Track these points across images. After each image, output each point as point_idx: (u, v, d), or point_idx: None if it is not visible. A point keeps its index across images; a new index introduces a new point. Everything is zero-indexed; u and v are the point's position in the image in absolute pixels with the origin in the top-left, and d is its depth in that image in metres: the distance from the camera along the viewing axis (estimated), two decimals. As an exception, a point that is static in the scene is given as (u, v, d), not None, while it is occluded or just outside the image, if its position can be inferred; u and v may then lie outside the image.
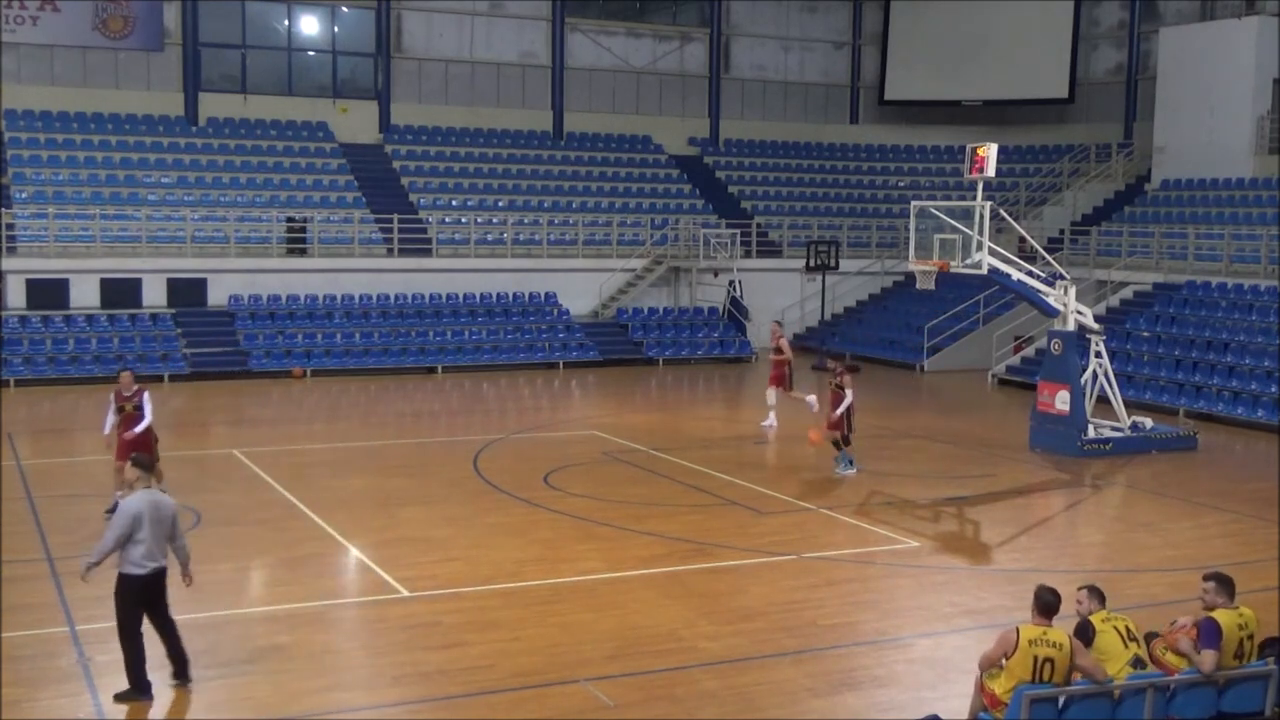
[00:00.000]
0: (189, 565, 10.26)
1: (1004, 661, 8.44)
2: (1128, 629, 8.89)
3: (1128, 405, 22.13)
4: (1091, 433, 21.05)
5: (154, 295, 29.86)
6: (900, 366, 32.01)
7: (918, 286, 22.70)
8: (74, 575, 13.00)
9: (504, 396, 27.12)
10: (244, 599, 12.76)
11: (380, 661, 10.94)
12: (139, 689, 9.81)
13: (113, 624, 11.49)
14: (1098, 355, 21.47)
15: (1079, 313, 21.31)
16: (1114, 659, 8.66)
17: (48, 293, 28.87)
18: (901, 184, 40.77)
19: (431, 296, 32.13)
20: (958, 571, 14.01)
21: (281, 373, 28.59)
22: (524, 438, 21.94)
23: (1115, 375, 22.05)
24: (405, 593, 12.72)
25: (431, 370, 29.90)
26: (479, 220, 34.49)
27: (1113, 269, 31.71)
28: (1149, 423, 21.98)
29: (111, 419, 15.84)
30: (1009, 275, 21.10)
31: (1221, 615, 8.76)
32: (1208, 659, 8.53)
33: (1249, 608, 9.04)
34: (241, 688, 10.21)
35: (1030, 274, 21.74)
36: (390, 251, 32.61)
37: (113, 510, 10.89)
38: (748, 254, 35.44)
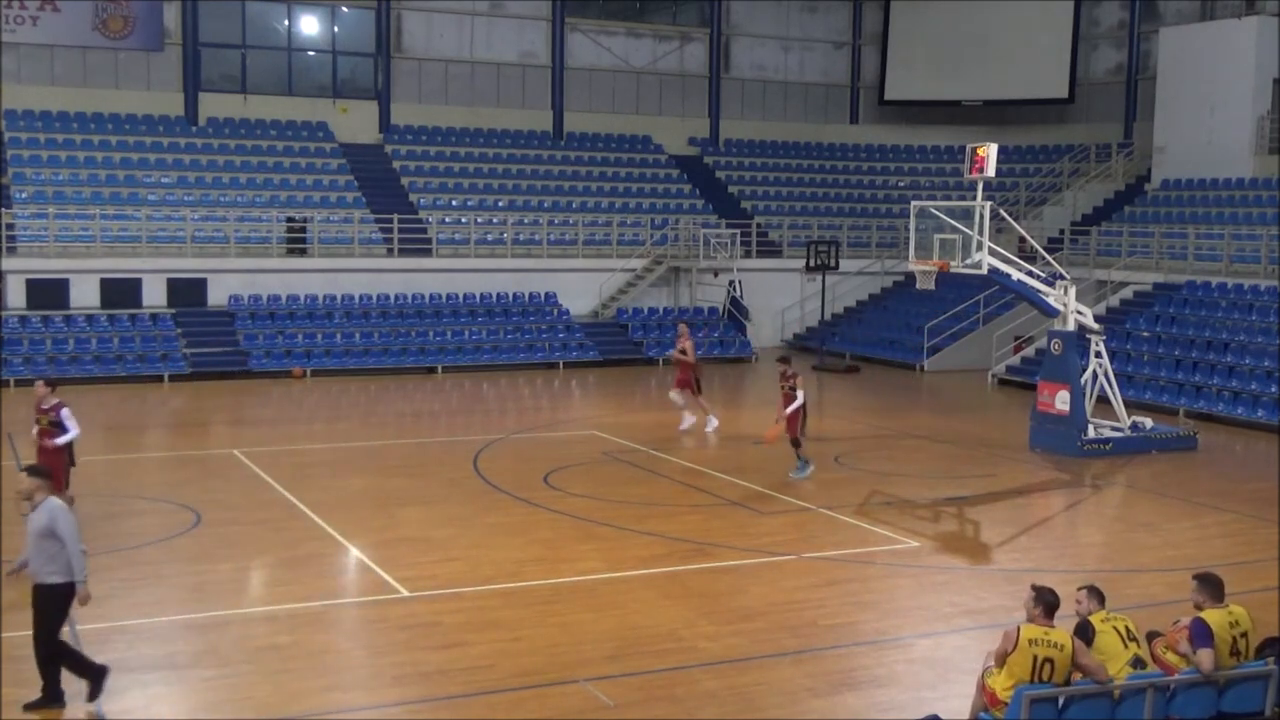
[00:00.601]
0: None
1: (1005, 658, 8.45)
2: (1127, 629, 8.90)
3: (1128, 405, 22.13)
4: (1091, 433, 21.06)
5: (154, 295, 29.86)
6: (900, 366, 32.01)
7: (918, 286, 22.70)
8: (74, 575, 13.03)
9: (504, 396, 27.12)
10: (244, 599, 12.76)
11: (380, 661, 10.94)
12: (82, 691, 9.74)
13: (113, 624, 11.53)
14: (1098, 355, 21.47)
15: (1079, 313, 21.31)
16: (1114, 659, 8.66)
17: (48, 293, 28.87)
18: (901, 184, 40.77)
19: (431, 296, 32.13)
20: (958, 571, 14.01)
21: (281, 373, 28.59)
22: (524, 438, 21.94)
23: (1115, 375, 22.05)
24: (405, 593, 12.72)
25: (431, 370, 29.90)
26: (479, 220, 34.49)
27: (1113, 269, 31.71)
28: (1149, 423, 21.98)
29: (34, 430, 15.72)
30: (1009, 275, 21.10)
31: (1211, 615, 8.77)
32: (1205, 658, 8.53)
33: (1240, 606, 9.04)
34: (241, 688, 10.21)
35: (1030, 274, 21.74)
36: (390, 251, 32.61)
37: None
38: (748, 254, 35.44)
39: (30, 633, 9.98)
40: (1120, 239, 32.99)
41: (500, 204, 35.36)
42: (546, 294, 33.28)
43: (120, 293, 29.45)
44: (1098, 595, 9.05)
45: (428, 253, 32.93)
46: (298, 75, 36.76)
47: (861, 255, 37.19)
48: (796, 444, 18.51)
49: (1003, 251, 21.30)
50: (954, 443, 21.92)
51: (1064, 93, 39.39)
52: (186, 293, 30.03)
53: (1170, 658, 8.91)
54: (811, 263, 33.97)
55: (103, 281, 29.38)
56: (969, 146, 20.83)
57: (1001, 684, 8.36)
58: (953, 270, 21.17)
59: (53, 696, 9.78)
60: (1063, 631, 8.42)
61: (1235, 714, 8.63)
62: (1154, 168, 35.83)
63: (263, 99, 35.73)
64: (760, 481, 18.16)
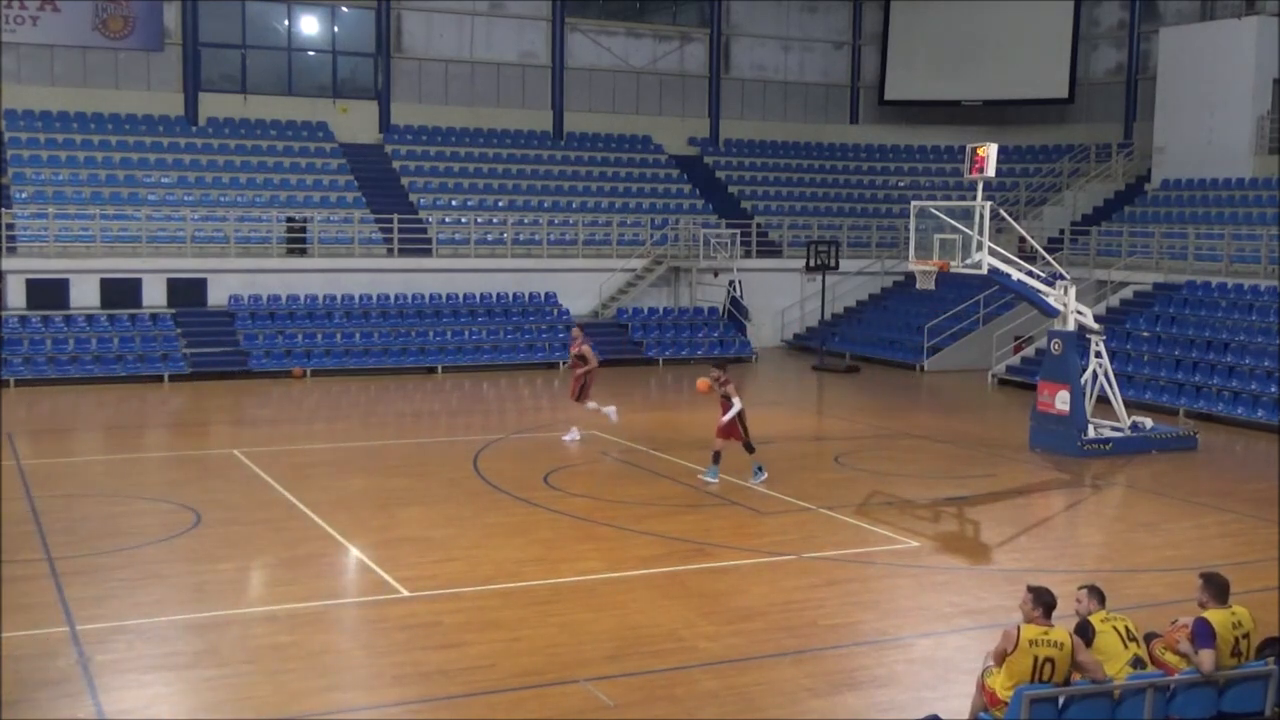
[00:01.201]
0: None
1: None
2: (1127, 629, 8.89)
3: (1128, 405, 22.13)
4: (1091, 433, 21.06)
5: (154, 295, 29.86)
6: (900, 366, 32.01)
7: (918, 286, 22.70)
8: (74, 575, 13.05)
9: (504, 396, 27.11)
10: (244, 599, 12.76)
11: (380, 661, 10.94)
12: None
13: (113, 624, 11.54)
14: (1098, 355, 21.47)
15: (1079, 313, 21.31)
16: (1113, 659, 8.66)
17: (48, 293, 28.87)
18: (901, 184, 40.77)
19: (431, 296, 32.13)
20: (958, 571, 14.01)
21: (281, 373, 28.59)
22: (524, 438, 21.94)
23: (1115, 375, 22.05)
24: (405, 593, 12.72)
25: (431, 370, 29.90)
26: (479, 220, 34.49)
27: (1113, 269, 31.71)
28: (1149, 423, 21.98)
29: None
30: (1009, 275, 21.10)
31: (1214, 615, 8.77)
32: (1206, 659, 8.53)
33: (1243, 607, 9.04)
34: (241, 688, 10.21)
35: (1030, 274, 21.73)
36: (390, 251, 32.61)
37: None
38: (748, 254, 35.44)
39: (30, 632, 9.97)
40: (1120, 239, 32.99)
41: (500, 204, 35.36)
42: (546, 294, 33.28)
43: (120, 293, 29.45)
44: (1098, 595, 9.05)
45: (428, 253, 32.93)
46: (298, 75, 36.76)
47: (861, 255, 37.19)
48: (750, 449, 17.99)
49: (1003, 251, 21.30)
50: (954, 443, 21.92)
51: (1064, 93, 39.39)
52: (186, 293, 30.03)
53: (1170, 658, 8.91)
54: (811, 263, 33.97)
55: (103, 281, 29.38)
56: (969, 146, 20.82)
57: (1002, 684, 8.36)
58: (953, 270, 21.16)
59: None
60: (1062, 631, 8.42)
61: (1235, 714, 8.63)
62: (1154, 168, 35.83)
63: (263, 99, 35.73)
64: (760, 481, 18.14)
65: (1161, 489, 18.57)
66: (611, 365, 31.45)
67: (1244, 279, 28.16)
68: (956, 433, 22.92)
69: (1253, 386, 24.36)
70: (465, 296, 32.50)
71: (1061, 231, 34.94)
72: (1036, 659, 8.24)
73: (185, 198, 32.35)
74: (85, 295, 29.27)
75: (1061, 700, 8.23)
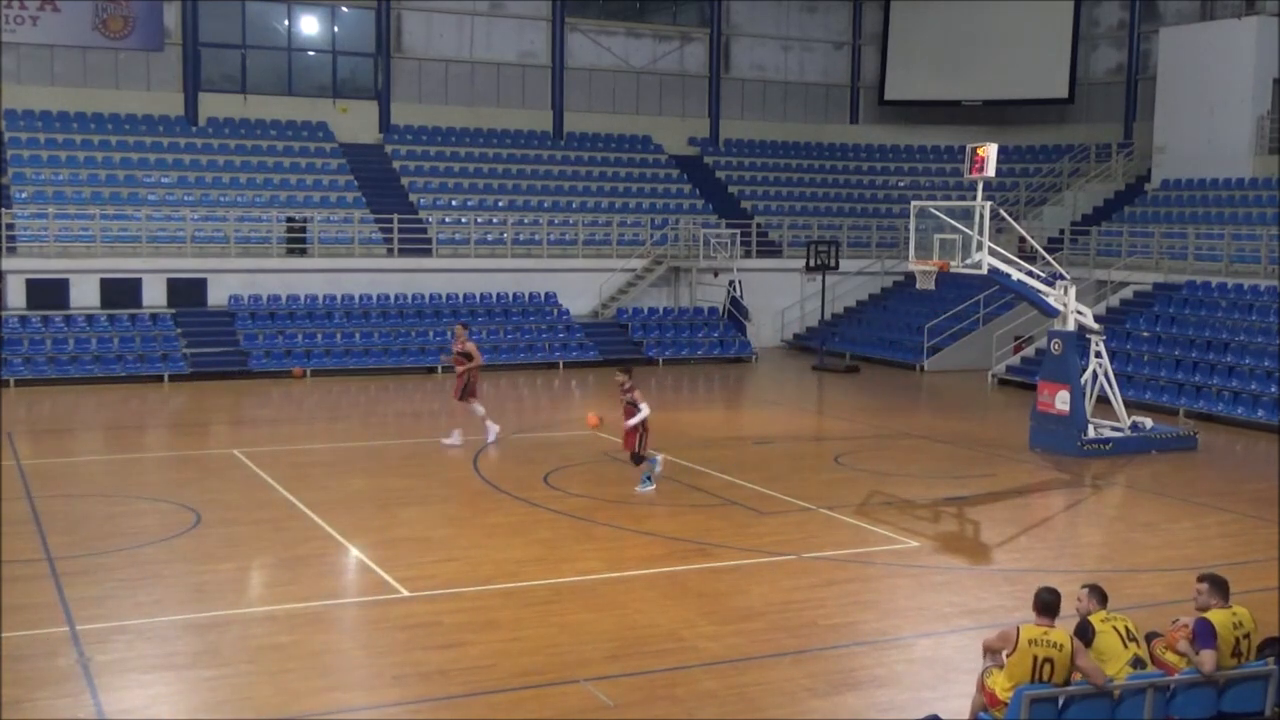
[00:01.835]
0: None
1: (1003, 659, 8.45)
2: (1127, 629, 8.89)
3: (1128, 405, 22.12)
4: (1091, 433, 21.05)
5: (154, 295, 29.86)
6: (900, 366, 32.01)
7: (918, 286, 22.69)
8: (74, 575, 13.05)
9: (504, 396, 27.10)
10: (244, 599, 12.76)
11: (380, 661, 10.94)
12: None
13: (113, 624, 11.54)
14: (1098, 355, 21.47)
15: (1079, 313, 21.31)
16: (1113, 659, 8.66)
17: (48, 293, 28.88)
18: (901, 184, 40.77)
19: (431, 296, 32.13)
20: (958, 571, 14.01)
21: (281, 373, 28.59)
22: (524, 438, 21.94)
23: (1115, 375, 22.04)
24: (405, 593, 12.72)
25: (431, 370, 29.90)
26: (479, 220, 34.49)
27: (1113, 269, 31.71)
28: (1149, 423, 21.97)
29: None
30: (1009, 275, 21.10)
31: (1215, 615, 8.77)
32: (1207, 659, 8.53)
33: (1243, 607, 9.05)
34: (241, 688, 10.21)
35: (1030, 274, 21.73)
36: (390, 251, 32.61)
37: None
38: (748, 254, 35.44)
39: (30, 632, 9.97)
40: (1120, 239, 32.99)
41: (500, 204, 35.36)
42: (546, 294, 33.28)
43: (120, 293, 29.45)
44: (1099, 594, 9.04)
45: (428, 253, 32.93)
46: (298, 75, 36.76)
47: (861, 255, 37.19)
48: (638, 459, 17.47)
49: (1003, 251, 21.30)
50: (954, 443, 21.92)
51: (1064, 93, 39.39)
52: (186, 293, 30.03)
53: (1170, 658, 8.91)
54: (811, 263, 33.97)
55: (103, 281, 29.38)
56: (969, 146, 20.82)
57: (1001, 684, 8.37)
58: (953, 270, 21.16)
59: None
60: (1062, 631, 8.43)
61: (1235, 714, 8.63)
62: (1154, 168, 35.83)
63: (263, 99, 35.73)
64: (760, 481, 18.15)
65: (1161, 489, 18.56)
66: (612, 365, 31.46)
67: (1244, 279, 28.16)
68: (956, 433, 22.91)
69: (1253, 386, 24.36)
70: (465, 296, 32.50)
71: (1061, 231, 34.94)
72: (1036, 659, 8.24)
73: (185, 198, 32.34)
74: (85, 295, 29.27)
75: (1061, 700, 8.23)
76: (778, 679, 10.52)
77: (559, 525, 15.59)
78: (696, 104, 40.91)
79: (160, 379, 27.74)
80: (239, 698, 10.00)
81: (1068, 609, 8.89)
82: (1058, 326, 21.44)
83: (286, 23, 36.59)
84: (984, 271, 20.67)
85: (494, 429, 20.82)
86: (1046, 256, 23.09)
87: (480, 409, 20.78)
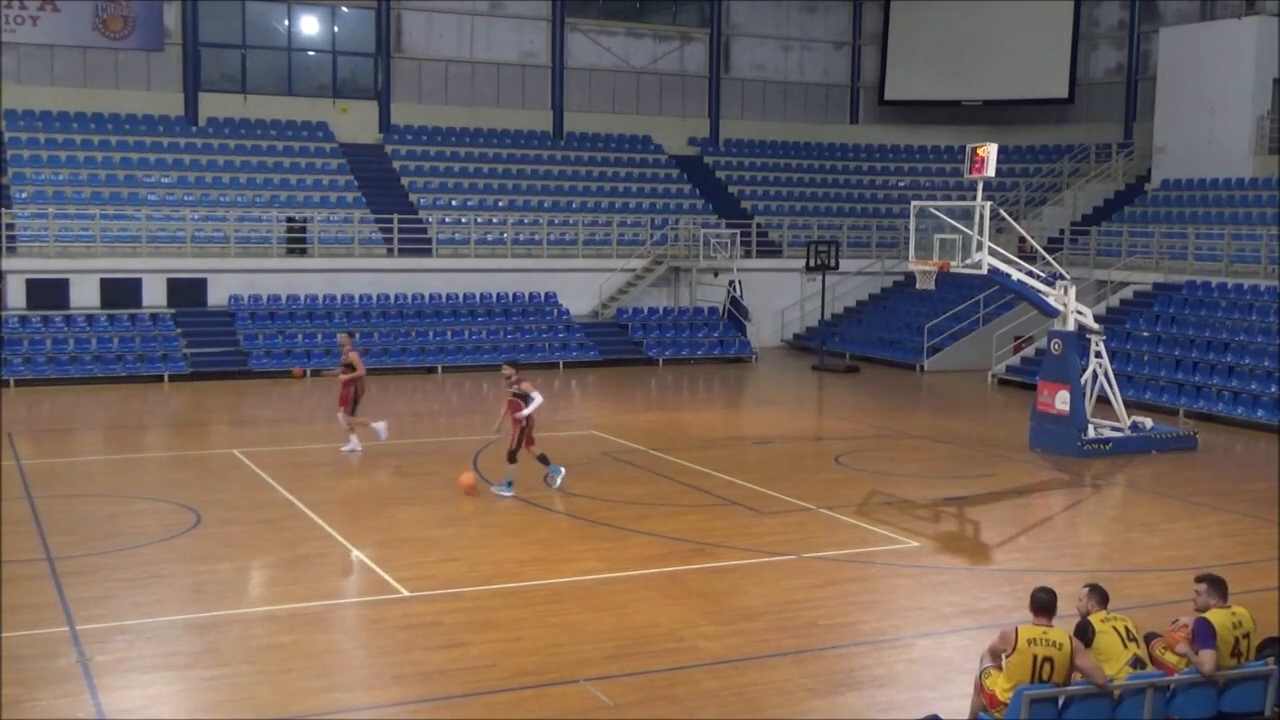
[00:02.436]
0: None
1: (1003, 659, 8.45)
2: (1127, 629, 8.89)
3: (1128, 405, 22.12)
4: (1091, 433, 21.05)
5: (154, 295, 29.86)
6: (900, 366, 32.01)
7: (918, 286, 22.70)
8: (74, 575, 13.06)
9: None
10: (244, 599, 12.76)
11: (380, 661, 10.94)
12: None
13: (113, 624, 11.54)
14: (1098, 355, 21.47)
15: (1079, 313, 21.31)
16: (1113, 659, 8.66)
17: (48, 293, 28.88)
18: (901, 184, 40.77)
19: (431, 296, 32.13)
20: (958, 571, 14.01)
21: (281, 373, 28.58)
22: (524, 438, 21.90)
23: (1115, 375, 22.04)
24: (405, 593, 12.72)
25: (431, 370, 29.90)
26: (479, 220, 34.49)
27: (1113, 269, 31.71)
28: (1149, 423, 21.97)
29: None
30: (1009, 275, 21.10)
31: (1215, 615, 8.77)
32: (1207, 659, 8.53)
33: (1243, 607, 9.05)
34: (241, 688, 10.21)
35: (1030, 274, 21.74)
36: (390, 251, 32.61)
37: None
38: (748, 254, 35.44)
39: (30, 632, 9.97)
40: (1120, 239, 32.99)
41: (500, 204, 35.36)
42: (546, 294, 33.28)
43: (120, 293, 29.45)
44: (1100, 594, 9.05)
45: (428, 253, 32.93)
46: (298, 75, 36.76)
47: (861, 255, 37.19)
48: (512, 459, 16.85)
49: (1003, 251, 21.30)
50: (954, 443, 21.92)
51: (1064, 93, 39.39)
52: (186, 293, 30.03)
53: (1170, 658, 8.91)
54: (811, 263, 33.95)
55: (103, 281, 29.38)
56: (969, 146, 20.82)
57: (1001, 685, 8.37)
58: (953, 270, 21.17)
59: None
60: (1061, 631, 8.43)
61: (1235, 714, 8.63)
62: (1154, 168, 35.83)
63: (263, 99, 35.73)
64: (760, 481, 18.15)
65: (1161, 489, 18.56)
66: (612, 365, 31.53)
67: (1244, 279, 28.16)
68: (956, 433, 22.91)
69: (1253, 386, 24.36)
70: (465, 296, 32.50)
71: (1061, 231, 34.94)
72: (1036, 658, 8.24)
73: (185, 198, 32.34)
74: (85, 295, 29.27)
75: (1061, 700, 8.23)
76: (778, 679, 10.52)
77: (559, 525, 15.60)
78: (696, 104, 40.91)
79: (160, 379, 27.74)
80: (239, 698, 10.00)
81: (1066, 609, 8.89)
82: (1058, 326, 21.44)
83: (286, 23, 36.60)
84: (984, 271, 20.68)
85: (357, 442, 19.82)
86: (1046, 256, 23.09)
87: (345, 421, 19.89)
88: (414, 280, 32.11)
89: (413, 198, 34.77)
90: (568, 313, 33.03)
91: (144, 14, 33.91)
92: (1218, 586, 8.98)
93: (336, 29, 37.18)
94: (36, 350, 27.55)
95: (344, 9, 37.13)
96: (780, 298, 35.86)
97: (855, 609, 12.55)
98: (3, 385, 26.21)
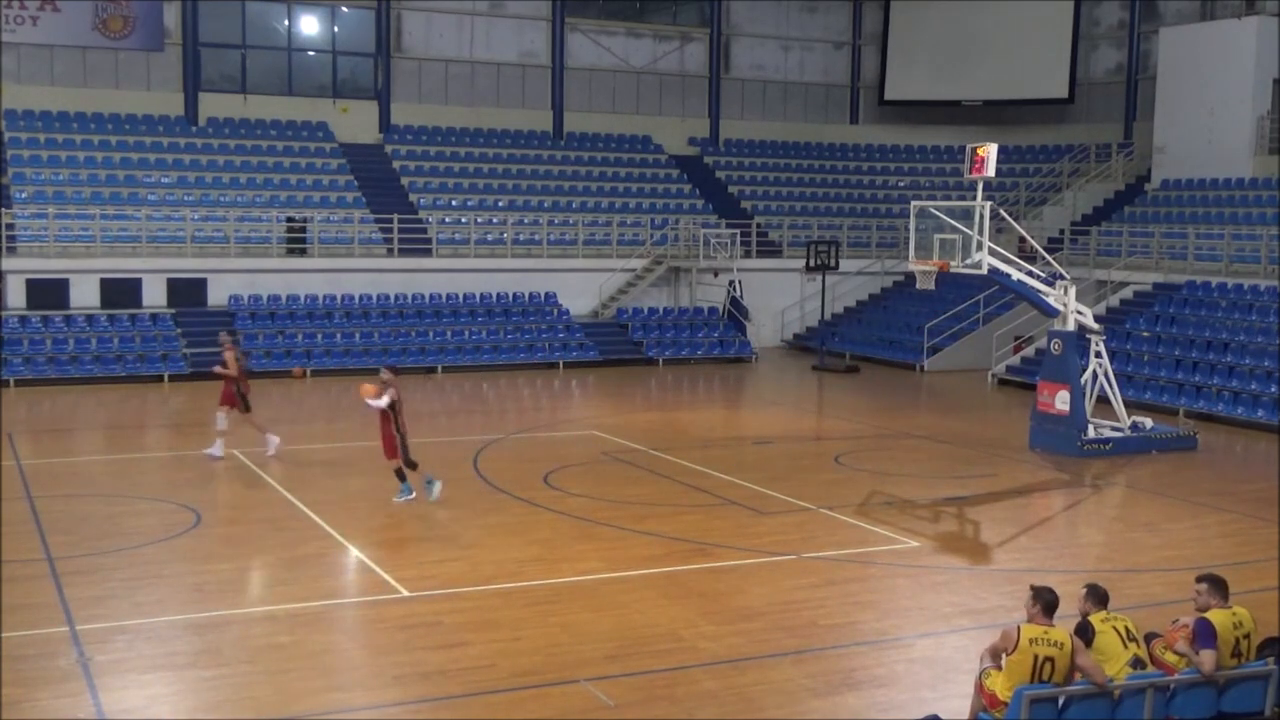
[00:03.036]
0: None
1: (1004, 659, 8.45)
2: (1127, 629, 8.89)
3: (1128, 405, 22.12)
4: (1091, 433, 21.05)
5: (154, 295, 29.86)
6: (900, 366, 32.01)
7: (918, 286, 22.70)
8: (74, 575, 13.05)
9: (504, 396, 27.12)
10: (244, 599, 12.76)
11: (380, 661, 10.94)
12: None
13: (113, 624, 11.54)
14: (1098, 355, 21.47)
15: (1079, 313, 21.31)
16: (1113, 659, 8.66)
17: (48, 293, 28.87)
18: (901, 184, 40.78)
19: (431, 296, 32.13)
20: (958, 571, 14.01)
21: (281, 373, 28.57)
22: (524, 438, 21.94)
23: (1115, 375, 22.04)
24: (405, 593, 12.72)
25: (431, 370, 29.90)
26: (479, 220, 34.49)
27: (1113, 269, 31.71)
28: (1149, 423, 21.97)
29: None
30: (1009, 275, 21.10)
31: (1215, 615, 8.77)
32: (1207, 659, 8.53)
33: (1243, 607, 9.05)
34: (241, 688, 10.21)
35: (1030, 274, 21.74)
36: (390, 251, 32.61)
37: None
38: (748, 254, 35.44)
39: (30, 632, 9.96)
40: (1120, 239, 32.99)
41: (500, 204, 35.36)
42: (546, 294, 33.28)
43: (120, 293, 29.45)
44: (1100, 595, 9.04)
45: (428, 253, 32.93)
46: (298, 75, 36.76)
47: (861, 255, 37.19)
48: (411, 465, 16.38)
49: (1003, 251, 21.30)
50: (954, 443, 21.92)
51: (1064, 93, 39.39)
52: (186, 293, 30.03)
53: (1170, 658, 8.91)
54: (811, 263, 33.97)
55: (103, 281, 29.38)
56: (969, 146, 20.82)
57: (1002, 685, 8.36)
58: (953, 270, 21.17)
59: None
60: (1062, 630, 8.43)
61: (1235, 714, 8.63)
62: (1154, 168, 35.83)
63: (263, 99, 35.73)
64: (760, 481, 18.15)
65: (1161, 489, 18.56)
66: (612, 365, 31.52)
67: (1244, 279, 28.16)
68: (956, 433, 22.91)
69: (1253, 386, 24.36)
70: (465, 296, 32.50)
71: (1061, 231, 34.94)
72: (1037, 658, 8.24)
73: (185, 198, 32.34)
74: (85, 295, 29.27)
75: (1061, 700, 8.23)
76: (778, 679, 10.52)
77: (559, 525, 15.59)
78: (696, 104, 40.91)
79: (160, 379, 27.74)
80: (239, 698, 10.00)
81: (1066, 609, 8.89)
82: (1058, 326, 21.44)
83: (286, 23, 36.59)
84: (984, 271, 20.68)
85: (220, 447, 19.23)
86: (1046, 256, 23.09)
87: (223, 424, 19.38)
88: (414, 280, 32.11)
89: (413, 198, 34.77)
90: (568, 313, 33.03)
91: (144, 14, 33.91)
92: (1219, 586, 8.98)
93: (336, 29, 37.18)
94: (36, 350, 27.55)
95: (344, 9, 37.13)
96: (780, 298, 35.85)
97: (855, 609, 12.55)
98: (3, 385, 26.21)
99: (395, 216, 32.72)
